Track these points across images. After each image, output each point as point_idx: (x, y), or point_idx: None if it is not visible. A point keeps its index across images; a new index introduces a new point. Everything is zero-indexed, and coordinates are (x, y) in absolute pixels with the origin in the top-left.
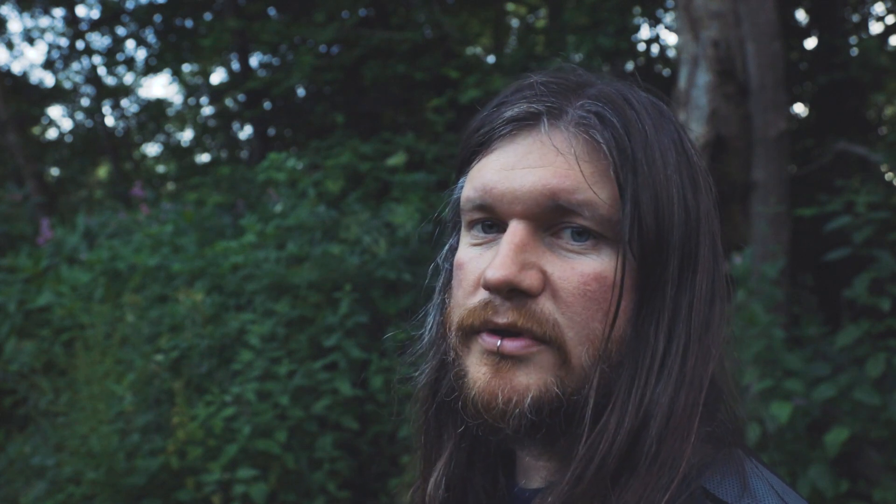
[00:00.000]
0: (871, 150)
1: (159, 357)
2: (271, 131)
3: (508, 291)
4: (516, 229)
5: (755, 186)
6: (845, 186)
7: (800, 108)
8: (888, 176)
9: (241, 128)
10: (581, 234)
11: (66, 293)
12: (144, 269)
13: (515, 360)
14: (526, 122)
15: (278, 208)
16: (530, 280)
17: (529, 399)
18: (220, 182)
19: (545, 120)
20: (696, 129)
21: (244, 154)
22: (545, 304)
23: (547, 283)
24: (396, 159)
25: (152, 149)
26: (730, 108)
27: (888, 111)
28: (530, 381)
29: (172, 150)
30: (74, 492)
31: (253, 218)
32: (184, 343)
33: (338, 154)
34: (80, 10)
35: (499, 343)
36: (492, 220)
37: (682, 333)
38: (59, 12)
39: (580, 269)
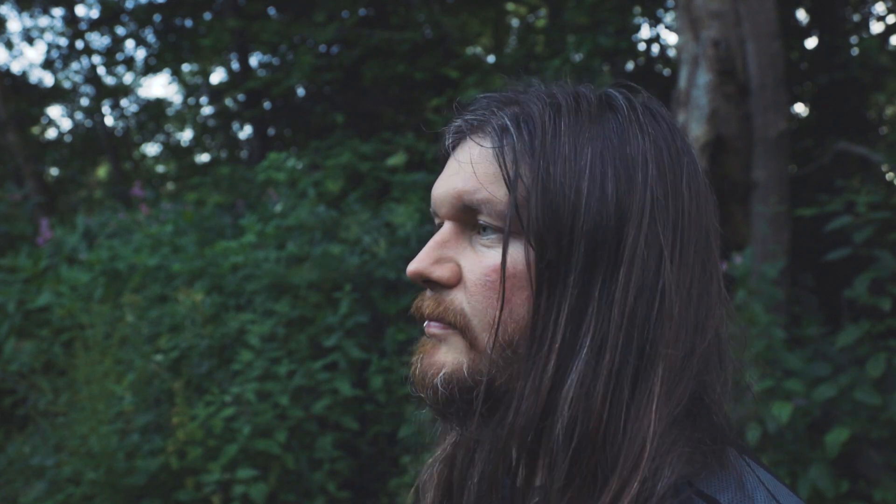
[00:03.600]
0: (872, 149)
1: (159, 357)
2: (271, 131)
3: (426, 282)
4: (442, 228)
5: (755, 186)
6: (845, 186)
7: (800, 108)
8: (889, 176)
9: (241, 128)
10: (486, 229)
11: (66, 293)
12: (144, 269)
13: (436, 339)
14: (456, 136)
15: (278, 208)
16: (440, 272)
17: (441, 374)
18: (220, 182)
19: (450, 137)
20: (697, 129)
21: (244, 154)
22: (457, 295)
23: (462, 276)
24: (396, 159)
25: (152, 149)
26: (730, 107)
27: (889, 111)
28: (446, 358)
29: (172, 150)
30: (74, 492)
31: (253, 218)
32: (184, 343)
33: (338, 154)
34: (80, 10)
35: (426, 324)
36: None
37: (593, 326)
38: (58, 12)
39: (485, 261)
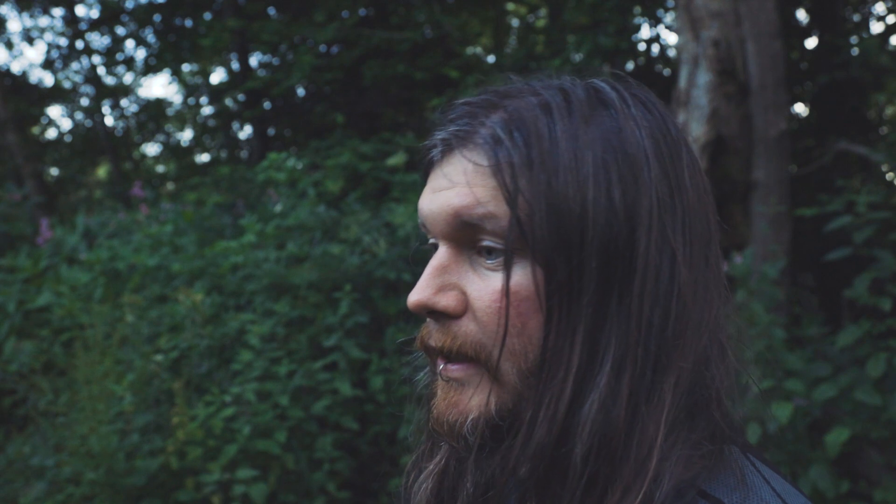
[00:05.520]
0: (872, 149)
1: (159, 357)
2: (271, 131)
3: (431, 314)
4: (439, 251)
5: (755, 186)
6: (846, 186)
7: (800, 108)
8: (889, 176)
9: (241, 128)
10: (491, 251)
11: (66, 293)
12: (144, 269)
13: (458, 383)
14: (438, 149)
15: (278, 208)
16: (446, 301)
17: (469, 420)
18: (220, 182)
19: (438, 151)
20: (697, 129)
21: (244, 154)
22: (468, 325)
23: (468, 303)
24: (396, 159)
25: (152, 149)
26: (730, 107)
27: (889, 111)
28: (472, 403)
29: (172, 150)
30: (74, 492)
31: (253, 218)
32: (184, 343)
33: (338, 154)
34: (80, 10)
35: (441, 367)
36: (437, 242)
37: (611, 344)
38: (58, 12)
39: (493, 285)
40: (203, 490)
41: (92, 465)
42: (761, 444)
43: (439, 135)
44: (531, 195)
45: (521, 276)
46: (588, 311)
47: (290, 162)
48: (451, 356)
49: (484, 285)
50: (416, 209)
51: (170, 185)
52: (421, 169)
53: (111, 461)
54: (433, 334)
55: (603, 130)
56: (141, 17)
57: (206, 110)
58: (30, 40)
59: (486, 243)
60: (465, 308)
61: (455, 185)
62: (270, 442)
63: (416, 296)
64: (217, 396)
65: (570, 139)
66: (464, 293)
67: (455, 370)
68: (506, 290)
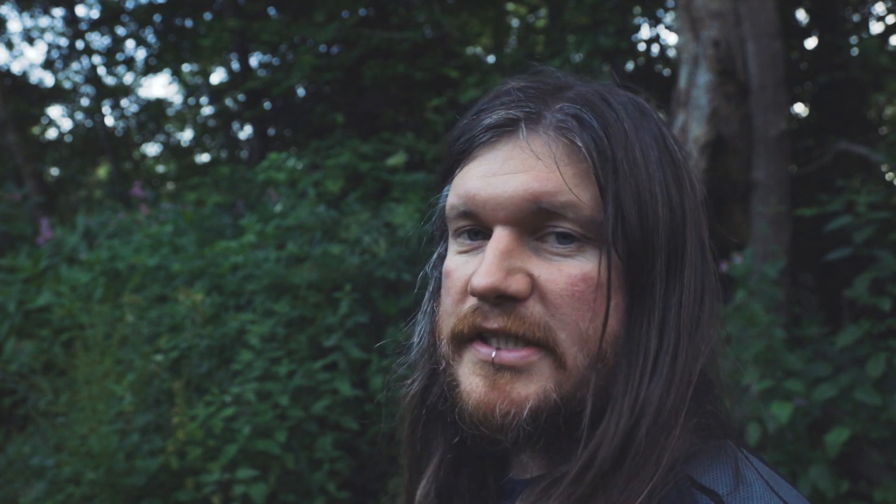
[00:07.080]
0: (872, 149)
1: (159, 357)
2: (271, 131)
3: (496, 297)
4: (501, 235)
5: (756, 186)
6: (846, 186)
7: (800, 108)
8: (889, 176)
9: (241, 128)
10: (565, 237)
11: (66, 293)
12: (144, 269)
13: (514, 370)
14: (504, 129)
15: (278, 208)
16: (517, 285)
17: (527, 410)
18: (220, 182)
19: (523, 126)
20: (697, 129)
21: (244, 154)
22: (534, 307)
23: (535, 286)
24: (396, 159)
25: (152, 149)
26: (730, 107)
27: (888, 111)
28: (529, 391)
29: (172, 150)
30: (74, 492)
31: (253, 218)
32: (184, 343)
33: (338, 154)
34: (80, 10)
35: (493, 354)
36: (477, 228)
37: (671, 332)
38: (58, 12)
39: (567, 270)
40: (203, 490)
41: (92, 465)
42: (761, 444)
43: (501, 113)
44: (619, 187)
45: (596, 263)
46: (659, 302)
47: (290, 162)
48: (510, 340)
49: (556, 270)
50: (416, 209)
51: (170, 185)
52: (460, 152)
53: (111, 461)
54: (492, 317)
55: (651, 132)
56: (141, 17)
57: (206, 110)
58: (30, 40)
59: (561, 227)
60: (531, 291)
61: (535, 167)
62: (270, 442)
63: (486, 279)
64: (217, 396)
65: (637, 135)
66: (529, 276)
67: (513, 357)
68: (607, 280)
